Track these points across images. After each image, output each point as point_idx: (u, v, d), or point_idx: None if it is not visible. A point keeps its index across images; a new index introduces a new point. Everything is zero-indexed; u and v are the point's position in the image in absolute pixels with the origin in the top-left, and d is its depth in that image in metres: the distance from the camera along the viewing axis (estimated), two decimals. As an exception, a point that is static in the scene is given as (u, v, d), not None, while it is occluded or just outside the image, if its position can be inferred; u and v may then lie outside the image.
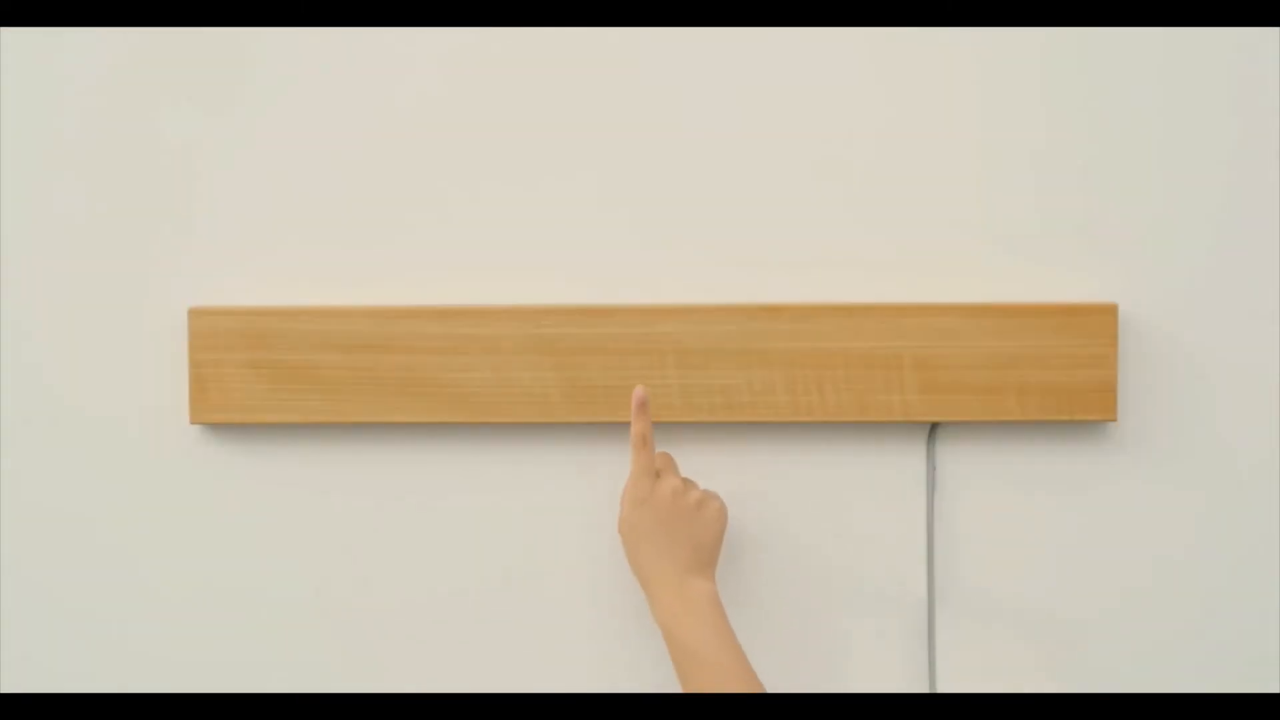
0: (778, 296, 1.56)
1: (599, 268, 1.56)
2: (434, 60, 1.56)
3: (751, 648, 1.58)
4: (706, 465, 1.58)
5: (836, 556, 1.58)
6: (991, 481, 1.57)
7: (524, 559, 1.58)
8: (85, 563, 1.59)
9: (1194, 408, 1.57)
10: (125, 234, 1.57)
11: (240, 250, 1.57)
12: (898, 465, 1.58)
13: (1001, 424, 1.56)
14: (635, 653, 1.58)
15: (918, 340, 1.54)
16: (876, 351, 1.54)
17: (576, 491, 1.57)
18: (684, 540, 1.49)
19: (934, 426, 1.57)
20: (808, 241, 1.56)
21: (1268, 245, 1.55)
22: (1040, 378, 1.54)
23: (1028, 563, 1.58)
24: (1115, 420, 1.55)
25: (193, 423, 1.56)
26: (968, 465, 1.57)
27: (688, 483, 1.52)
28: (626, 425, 1.55)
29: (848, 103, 1.56)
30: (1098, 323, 1.54)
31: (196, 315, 1.55)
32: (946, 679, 1.58)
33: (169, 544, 1.59)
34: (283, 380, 1.55)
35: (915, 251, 1.56)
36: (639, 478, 1.49)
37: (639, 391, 1.50)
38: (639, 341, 1.54)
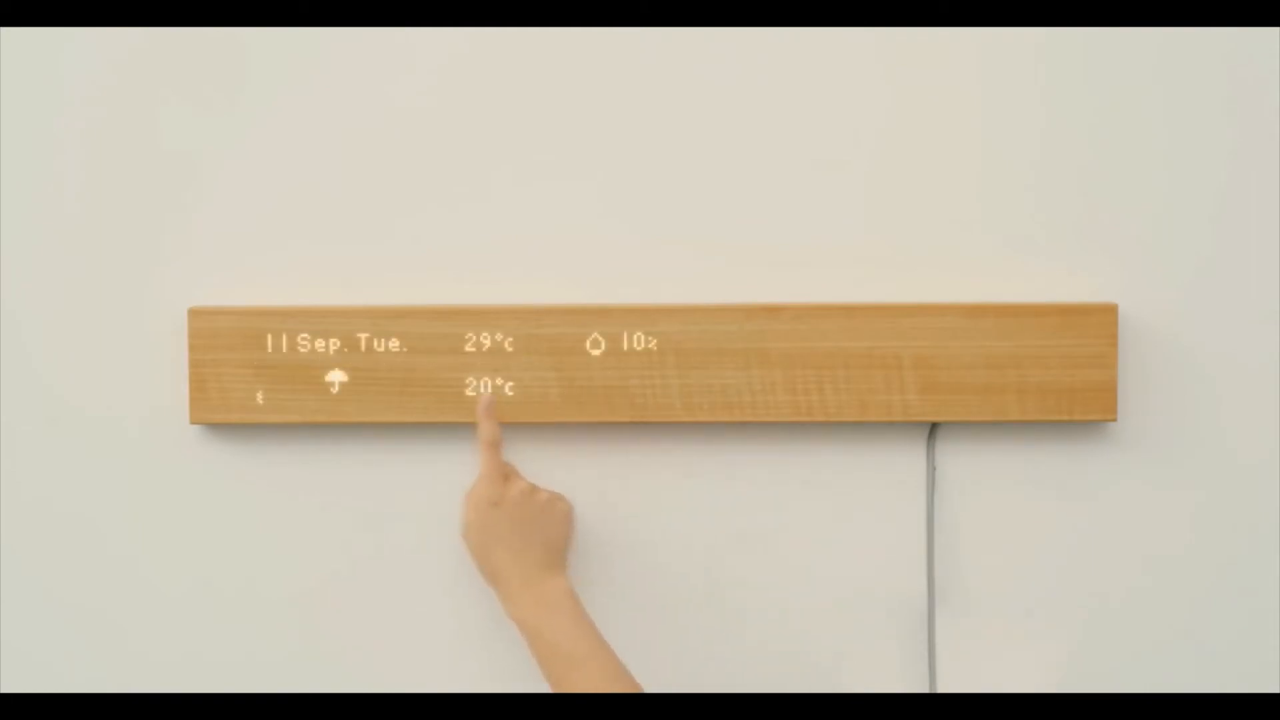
0: (778, 296, 1.56)
1: (599, 268, 1.56)
2: (434, 60, 1.56)
3: (750, 647, 1.58)
4: (706, 465, 1.58)
5: (836, 557, 1.58)
6: (991, 481, 1.57)
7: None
8: (85, 563, 1.59)
9: (1194, 408, 1.57)
10: (125, 234, 1.57)
11: (240, 250, 1.57)
12: (898, 465, 1.58)
13: (1001, 424, 1.56)
14: (654, 650, 1.58)
15: (918, 340, 1.54)
16: (876, 351, 1.54)
17: (577, 491, 1.57)
18: (537, 540, 1.50)
19: (934, 426, 1.57)
20: (807, 241, 1.56)
21: (1268, 245, 1.55)
22: (1040, 378, 1.54)
23: (1028, 563, 1.58)
24: (1115, 420, 1.55)
25: (193, 423, 1.56)
26: (968, 465, 1.57)
27: (532, 485, 1.52)
28: (627, 425, 1.55)
29: (847, 103, 1.56)
30: (1098, 323, 1.54)
31: (196, 315, 1.55)
32: (946, 679, 1.58)
33: (169, 544, 1.59)
34: (283, 380, 1.55)
35: (915, 251, 1.56)
36: (489, 480, 1.51)
37: (486, 396, 1.51)
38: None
